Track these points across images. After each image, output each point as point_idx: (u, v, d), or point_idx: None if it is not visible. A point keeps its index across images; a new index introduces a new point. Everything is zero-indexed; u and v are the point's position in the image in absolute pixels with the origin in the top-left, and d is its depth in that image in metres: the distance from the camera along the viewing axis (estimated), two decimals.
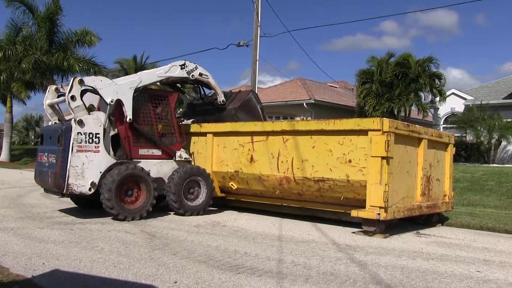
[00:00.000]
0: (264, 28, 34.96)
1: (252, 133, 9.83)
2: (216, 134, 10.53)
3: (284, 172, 9.22)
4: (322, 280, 5.18)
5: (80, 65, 27.46)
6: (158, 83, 10.72)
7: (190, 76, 10.61)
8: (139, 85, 9.67)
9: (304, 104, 30.51)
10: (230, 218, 9.75)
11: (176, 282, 4.96)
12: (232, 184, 10.24)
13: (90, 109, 9.72)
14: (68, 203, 10.66)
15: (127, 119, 9.32)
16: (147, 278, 5.07)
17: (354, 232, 8.31)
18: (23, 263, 5.54)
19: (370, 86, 29.34)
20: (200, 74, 10.79)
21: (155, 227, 8.34)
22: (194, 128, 11.12)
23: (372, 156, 7.91)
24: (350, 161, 8.27)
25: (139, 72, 10.07)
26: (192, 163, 10.94)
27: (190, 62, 10.65)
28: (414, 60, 28.64)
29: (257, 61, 22.26)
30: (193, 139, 11.09)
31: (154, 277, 5.10)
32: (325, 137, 8.65)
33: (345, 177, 8.33)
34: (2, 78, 28.02)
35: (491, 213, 11.45)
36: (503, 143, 27.40)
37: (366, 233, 8.08)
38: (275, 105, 32.52)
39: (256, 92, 22.59)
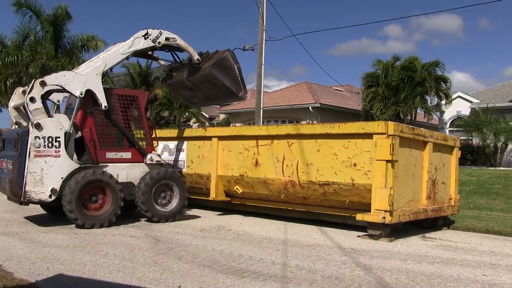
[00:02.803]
0: (270, 32, 34.98)
1: (257, 137, 9.82)
2: (221, 138, 10.53)
3: (289, 176, 9.20)
4: (327, 284, 5.16)
5: None
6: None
7: (157, 44, 9.91)
8: (105, 69, 9.25)
9: (310, 108, 30.51)
10: (235, 222, 9.73)
11: (180, 287, 4.95)
12: (237, 188, 10.23)
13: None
14: None
15: (103, 107, 8.89)
16: (151, 283, 5.06)
17: (359, 236, 8.27)
18: (27, 268, 5.55)
19: (376, 90, 29.34)
20: (167, 39, 10.04)
21: (160, 231, 8.33)
22: (199, 132, 11.14)
23: (377, 160, 7.88)
24: (355, 164, 8.24)
25: (101, 55, 9.46)
26: (197, 166, 10.94)
27: (153, 29, 9.93)
28: (420, 64, 28.63)
29: (263, 65, 22.25)
30: (198, 143, 11.10)
31: (158, 282, 5.10)
32: (330, 140, 8.63)
33: (350, 180, 8.30)
34: (8, 83, 28.21)
35: (497, 217, 11.38)
36: (510, 146, 27.28)
37: (371, 236, 8.04)
38: (280, 109, 32.55)
39: (262, 96, 22.62)
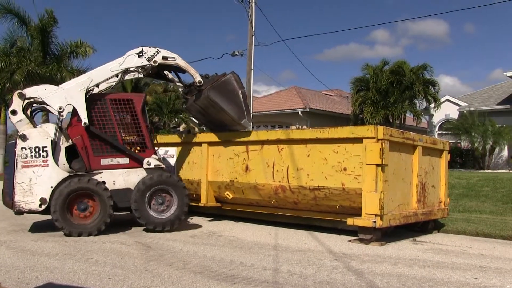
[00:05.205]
0: (259, 37, 35.08)
1: (247, 143, 9.81)
2: (211, 143, 10.49)
3: (280, 181, 9.19)
4: None
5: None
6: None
7: (152, 63, 9.37)
8: (91, 85, 8.95)
9: (300, 112, 30.63)
10: (226, 228, 9.70)
11: None
12: (227, 194, 10.19)
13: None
14: None
15: (83, 123, 8.66)
16: None
17: (350, 240, 8.28)
18: (15, 277, 5.48)
19: (366, 94, 29.49)
20: (165, 58, 9.49)
21: (150, 237, 8.28)
22: (189, 137, 11.09)
23: (367, 164, 7.90)
24: (345, 169, 8.26)
25: (89, 72, 9.19)
26: (188, 172, 10.89)
27: (150, 47, 9.44)
28: (408, 68, 28.83)
29: (252, 70, 22.33)
30: (188, 148, 11.06)
31: None
32: (320, 145, 8.64)
33: (340, 185, 8.31)
34: None
35: (486, 219, 11.45)
36: (497, 148, 27.54)
37: (362, 241, 8.05)
38: (270, 114, 32.61)
39: (251, 101, 22.63)
